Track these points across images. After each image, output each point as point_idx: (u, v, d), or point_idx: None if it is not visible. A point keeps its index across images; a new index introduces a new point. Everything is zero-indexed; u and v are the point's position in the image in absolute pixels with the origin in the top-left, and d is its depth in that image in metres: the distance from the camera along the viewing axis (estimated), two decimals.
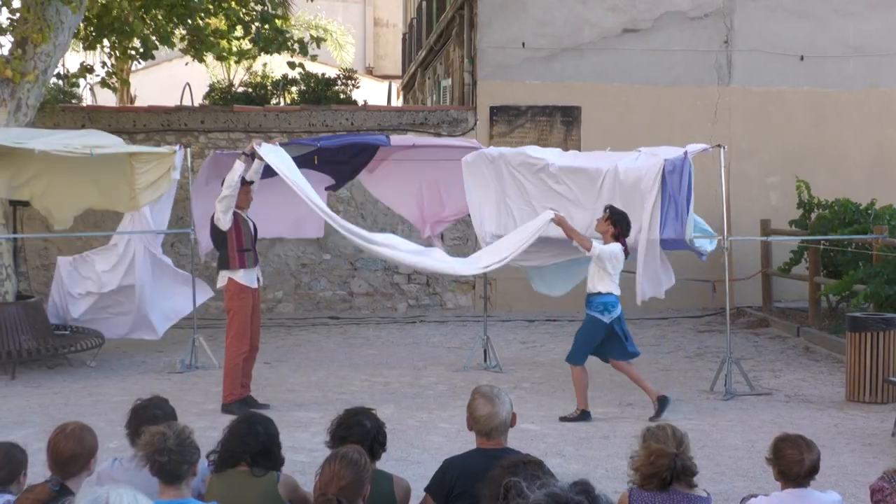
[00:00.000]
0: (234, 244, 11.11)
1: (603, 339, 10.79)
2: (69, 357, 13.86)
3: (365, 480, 4.78)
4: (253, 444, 5.55)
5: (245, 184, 11.13)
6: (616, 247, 10.66)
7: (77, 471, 5.18)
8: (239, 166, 11.03)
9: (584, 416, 10.68)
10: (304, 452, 8.81)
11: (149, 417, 5.70)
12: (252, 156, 11.13)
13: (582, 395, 10.80)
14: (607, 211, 10.87)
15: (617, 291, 10.73)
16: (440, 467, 5.68)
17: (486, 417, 5.56)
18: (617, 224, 10.74)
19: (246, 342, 11.21)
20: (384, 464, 5.81)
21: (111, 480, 5.41)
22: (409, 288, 19.13)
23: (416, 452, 9.22)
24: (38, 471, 5.47)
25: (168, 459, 4.89)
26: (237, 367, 11.11)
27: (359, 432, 5.60)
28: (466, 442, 6.60)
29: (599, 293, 10.67)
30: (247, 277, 11.17)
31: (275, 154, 11.25)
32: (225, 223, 11.08)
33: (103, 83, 18.44)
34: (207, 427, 9.07)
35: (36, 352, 13.30)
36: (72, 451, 5.16)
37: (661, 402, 10.67)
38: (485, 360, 13.60)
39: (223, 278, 11.27)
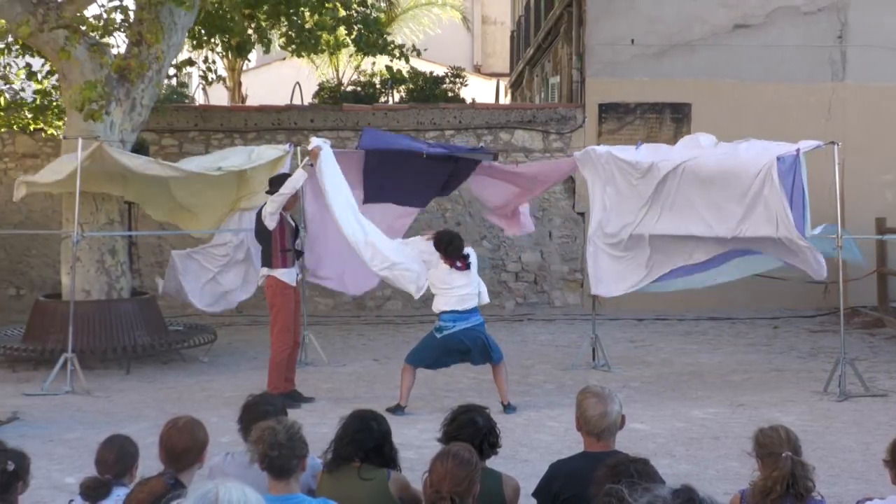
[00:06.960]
0: (279, 244, 11.48)
1: (450, 351, 10.88)
2: (182, 353, 14.12)
3: (476, 479, 4.78)
4: (366, 441, 5.58)
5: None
6: (433, 271, 10.90)
7: (189, 464, 5.28)
8: (301, 175, 11.55)
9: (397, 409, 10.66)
10: (413, 449, 8.83)
11: (260, 413, 5.76)
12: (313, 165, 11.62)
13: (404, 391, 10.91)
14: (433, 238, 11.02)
15: (448, 307, 10.76)
16: (546, 472, 5.64)
17: (598, 417, 5.47)
18: (438, 248, 10.88)
19: (290, 338, 11.62)
20: (491, 461, 5.80)
21: (222, 474, 5.49)
22: (517, 286, 19.08)
23: (524, 451, 9.20)
24: (150, 464, 5.55)
25: (278, 454, 4.92)
26: (283, 362, 11.50)
27: (470, 430, 5.61)
28: (574, 440, 6.55)
29: (441, 311, 10.83)
30: (288, 276, 11.52)
31: (325, 163, 11.58)
32: (271, 223, 11.42)
33: (203, 77, 18.69)
34: (317, 423, 9.17)
35: (150, 347, 13.58)
36: (185, 444, 5.25)
37: None
38: (593, 359, 13.51)
39: (264, 275, 11.64)
